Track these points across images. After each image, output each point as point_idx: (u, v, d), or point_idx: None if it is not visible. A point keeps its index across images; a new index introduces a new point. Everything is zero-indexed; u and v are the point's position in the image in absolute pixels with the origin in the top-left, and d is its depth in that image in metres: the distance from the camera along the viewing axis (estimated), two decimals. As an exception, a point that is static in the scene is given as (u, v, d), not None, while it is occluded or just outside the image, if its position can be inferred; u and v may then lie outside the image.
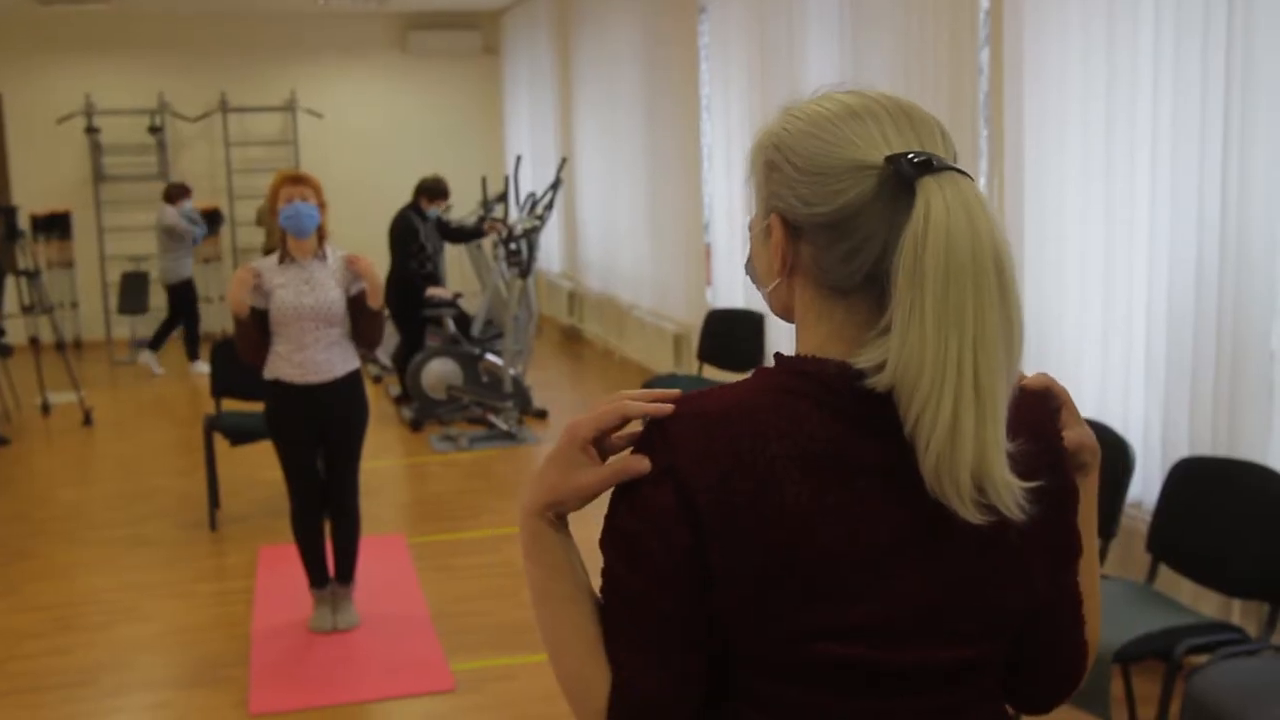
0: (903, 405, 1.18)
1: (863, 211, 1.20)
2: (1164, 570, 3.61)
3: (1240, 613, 3.69)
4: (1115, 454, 3.80)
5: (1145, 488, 3.99)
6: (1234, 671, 2.95)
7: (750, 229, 1.32)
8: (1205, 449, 3.74)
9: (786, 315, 1.32)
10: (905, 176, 1.18)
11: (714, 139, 7.89)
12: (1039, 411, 1.34)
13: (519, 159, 9.35)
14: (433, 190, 8.46)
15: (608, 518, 1.26)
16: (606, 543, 1.26)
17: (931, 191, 1.16)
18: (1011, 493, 1.19)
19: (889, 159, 1.19)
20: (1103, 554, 3.75)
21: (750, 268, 1.34)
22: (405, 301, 8.27)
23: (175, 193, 10.53)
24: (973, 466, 1.17)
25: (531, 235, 7.97)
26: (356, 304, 4.47)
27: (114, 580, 5.36)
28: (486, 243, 8.82)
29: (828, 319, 1.26)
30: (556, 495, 1.27)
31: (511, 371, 7.92)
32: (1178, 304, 3.84)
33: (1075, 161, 4.27)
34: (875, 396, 1.19)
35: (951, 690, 1.28)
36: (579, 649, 1.27)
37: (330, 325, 4.43)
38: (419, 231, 8.31)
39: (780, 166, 1.24)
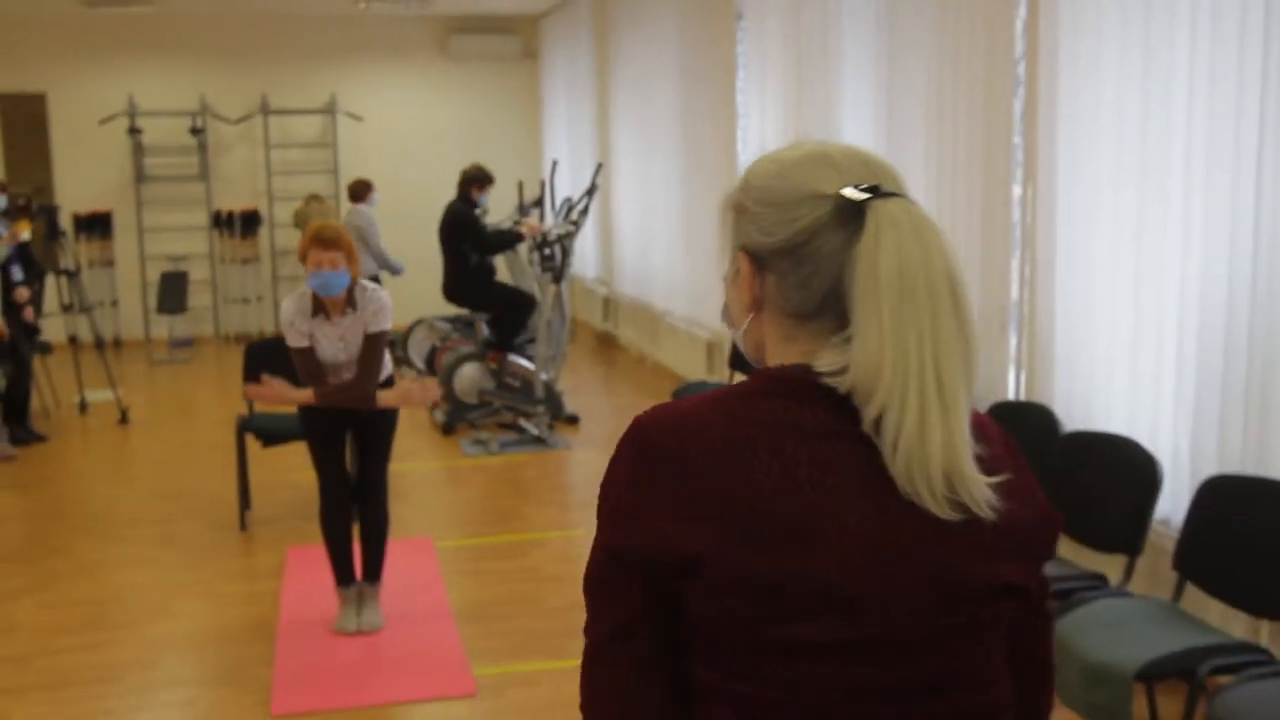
0: (862, 406, 1.24)
1: (818, 235, 1.28)
2: (1191, 589, 3.58)
3: (1269, 634, 3.65)
4: (1143, 470, 3.78)
5: (1173, 505, 3.96)
6: (1258, 693, 2.92)
7: (725, 280, 1.39)
8: (1235, 467, 3.70)
9: (759, 354, 1.38)
10: (855, 202, 1.26)
11: (750, 147, 7.89)
12: (998, 432, 1.38)
13: (555, 164, 9.38)
14: (480, 179, 8.44)
15: None
16: None
17: (881, 213, 1.25)
18: (981, 490, 1.24)
19: (839, 192, 1.28)
20: (1129, 571, 3.73)
21: (725, 314, 1.41)
22: (479, 289, 8.40)
23: (361, 190, 9.91)
24: (944, 465, 1.22)
25: (565, 240, 7.99)
26: (369, 341, 4.55)
27: (144, 579, 5.42)
28: (522, 247, 8.84)
29: (793, 342, 1.32)
30: None
31: (544, 376, 7.94)
32: (1209, 320, 3.81)
33: (1108, 177, 4.24)
34: (835, 393, 1.25)
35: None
36: None
37: None
38: (477, 220, 8.34)
39: (746, 207, 1.33)
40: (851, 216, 1.26)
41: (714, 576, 1.21)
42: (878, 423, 1.23)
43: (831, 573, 1.21)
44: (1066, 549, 4.24)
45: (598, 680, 1.29)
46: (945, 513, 1.23)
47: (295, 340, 4.52)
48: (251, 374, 5.96)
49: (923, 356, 1.21)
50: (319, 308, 4.50)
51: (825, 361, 1.26)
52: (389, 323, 4.58)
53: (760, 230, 1.31)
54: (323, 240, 4.39)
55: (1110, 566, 3.97)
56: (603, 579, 1.28)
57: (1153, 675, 3.14)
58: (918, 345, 1.21)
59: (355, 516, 4.79)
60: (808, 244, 1.28)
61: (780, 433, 1.24)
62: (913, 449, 1.21)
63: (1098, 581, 3.74)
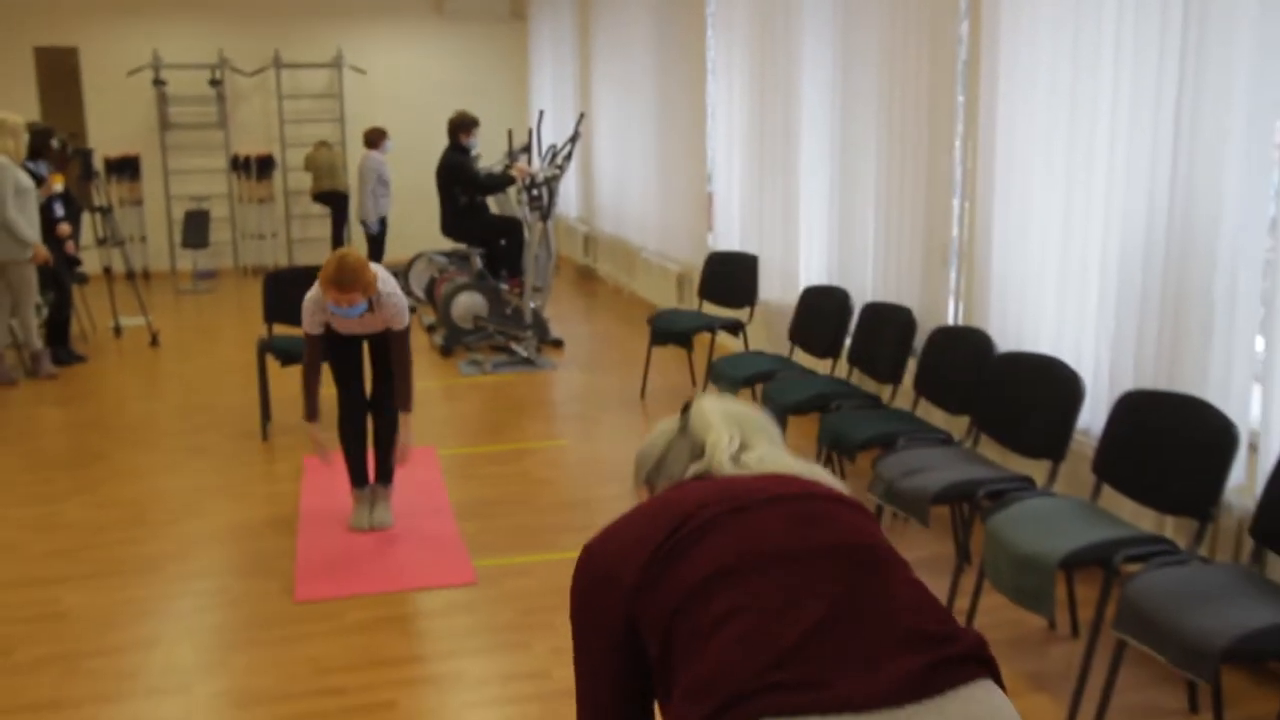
0: (717, 468, 1.65)
1: (672, 447, 1.77)
2: (1107, 490, 3.63)
3: (1173, 528, 3.72)
4: (1067, 386, 3.81)
5: (1093, 416, 4.00)
6: (1164, 578, 2.97)
7: None
8: (1148, 383, 3.74)
9: None
10: (686, 405, 1.77)
11: (718, 98, 7.82)
12: None
13: (541, 114, 9.28)
14: (466, 124, 8.41)
15: None
16: None
17: (699, 398, 1.78)
18: (834, 480, 1.66)
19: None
20: (1053, 474, 3.78)
21: None
22: (473, 226, 8.43)
23: (376, 137, 9.80)
24: (800, 471, 1.64)
25: (552, 183, 7.93)
26: (396, 338, 4.47)
27: (178, 482, 5.42)
28: (511, 188, 8.78)
29: None
30: None
31: (532, 305, 7.92)
32: (1128, 254, 3.83)
33: (1041, 127, 4.23)
34: (704, 474, 1.67)
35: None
36: None
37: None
38: (469, 166, 8.31)
39: (638, 465, 1.81)
40: (684, 418, 1.76)
41: (654, 575, 1.47)
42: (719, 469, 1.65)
43: (739, 498, 1.55)
44: (999, 454, 4.29)
45: (586, 703, 1.57)
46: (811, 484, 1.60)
47: (311, 327, 4.38)
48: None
49: (751, 423, 1.71)
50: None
51: (691, 474, 1.69)
52: (407, 318, 4.45)
53: (645, 467, 1.79)
54: (341, 285, 4.14)
55: (1037, 470, 4.03)
56: (580, 648, 1.56)
57: (1073, 563, 3.18)
58: (747, 421, 1.71)
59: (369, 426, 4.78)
60: (668, 453, 1.77)
61: (676, 493, 1.60)
62: (766, 462, 1.64)
63: (1026, 483, 3.79)
